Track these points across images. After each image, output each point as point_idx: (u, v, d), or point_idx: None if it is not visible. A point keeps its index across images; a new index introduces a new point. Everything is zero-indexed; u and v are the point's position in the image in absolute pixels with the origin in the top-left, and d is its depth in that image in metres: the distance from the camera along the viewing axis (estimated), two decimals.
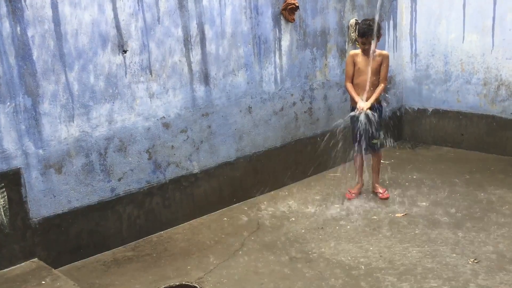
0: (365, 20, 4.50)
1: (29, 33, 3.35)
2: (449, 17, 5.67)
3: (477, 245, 3.68)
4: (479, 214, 4.18)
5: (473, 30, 5.52)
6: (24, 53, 3.35)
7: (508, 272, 3.30)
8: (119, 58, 3.77)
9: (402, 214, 4.26)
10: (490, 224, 3.98)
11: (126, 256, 3.83)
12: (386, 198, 4.61)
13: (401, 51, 6.12)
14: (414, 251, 3.65)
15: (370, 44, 4.29)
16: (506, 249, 3.59)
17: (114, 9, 3.67)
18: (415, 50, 6.02)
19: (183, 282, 3.12)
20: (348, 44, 5.41)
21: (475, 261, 3.46)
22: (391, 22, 5.93)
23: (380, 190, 4.70)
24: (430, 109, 6.08)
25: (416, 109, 6.19)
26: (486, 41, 5.44)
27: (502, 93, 5.46)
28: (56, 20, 3.44)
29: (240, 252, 3.80)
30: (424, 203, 4.46)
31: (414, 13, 5.93)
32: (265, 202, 4.71)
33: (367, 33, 4.28)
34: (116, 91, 3.80)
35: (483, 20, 5.42)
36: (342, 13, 5.29)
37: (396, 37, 6.04)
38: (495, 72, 5.46)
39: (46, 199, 3.57)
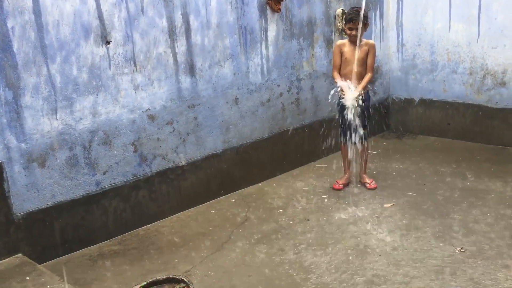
0: (353, 7, 4.48)
1: (9, 24, 3.26)
2: (435, 7, 5.66)
3: (464, 234, 3.70)
4: (466, 203, 4.20)
5: (459, 20, 5.52)
6: (4, 44, 3.26)
7: (495, 260, 3.32)
8: (102, 50, 3.70)
9: (390, 205, 4.27)
10: (477, 213, 4.00)
11: (113, 250, 3.79)
12: (374, 188, 4.62)
13: (387, 41, 6.11)
14: (402, 241, 3.65)
15: (357, 30, 4.27)
16: (493, 237, 3.61)
17: None
18: (402, 40, 6.02)
19: (170, 276, 3.09)
20: (335, 34, 5.39)
21: (462, 249, 3.48)
22: (378, 12, 5.91)
23: (368, 180, 4.70)
24: (417, 99, 6.09)
25: (403, 99, 6.20)
26: (472, 30, 5.45)
27: (488, 82, 5.48)
28: (37, 10, 3.36)
29: (228, 245, 3.78)
30: (412, 193, 4.47)
31: (400, 2, 5.92)
32: (253, 194, 4.69)
33: (354, 18, 4.26)
34: (100, 83, 3.74)
35: (469, 9, 5.42)
36: (328, 2, 5.25)
37: (383, 27, 6.02)
38: (481, 62, 5.48)
39: (29, 193, 3.51)
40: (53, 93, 3.51)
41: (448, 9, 5.57)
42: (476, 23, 5.40)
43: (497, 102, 5.47)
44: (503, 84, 5.38)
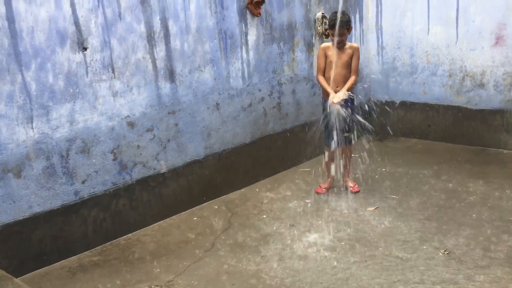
0: (335, 12, 4.47)
1: None
2: (414, 9, 5.70)
3: (448, 236, 3.70)
4: (448, 204, 4.22)
5: (438, 22, 5.57)
6: None
7: (478, 262, 3.33)
8: (79, 56, 3.62)
9: (374, 208, 4.26)
10: (459, 215, 4.02)
11: (93, 261, 3.70)
12: (357, 192, 4.61)
13: (367, 44, 6.13)
14: (386, 245, 3.64)
15: (340, 35, 4.27)
16: (476, 239, 3.63)
17: (72, 4, 3.52)
18: (382, 43, 6.05)
19: (152, 286, 3.03)
20: (315, 37, 5.38)
21: (446, 252, 3.48)
22: (357, 15, 5.93)
23: (351, 184, 4.69)
24: (398, 102, 6.13)
25: (384, 101, 6.23)
26: (451, 32, 5.49)
27: (467, 84, 5.54)
28: (10, 17, 3.26)
29: (211, 253, 3.72)
30: (394, 196, 4.47)
31: (379, 6, 5.94)
32: (236, 200, 4.64)
33: (336, 24, 4.25)
34: (77, 90, 3.65)
35: (447, 12, 5.47)
36: (308, 6, 5.25)
37: (363, 30, 6.04)
38: (460, 64, 5.53)
39: (5, 205, 3.40)
40: (28, 101, 3.42)
41: (426, 11, 5.61)
42: (454, 26, 5.45)
43: (476, 104, 5.52)
44: (482, 85, 5.43)
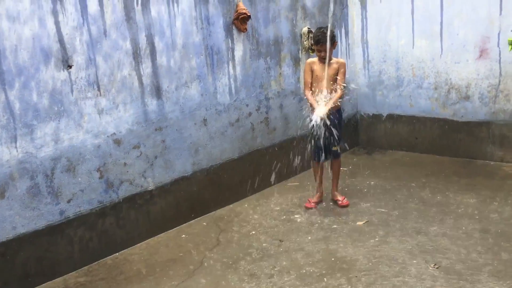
0: (319, 28, 4.49)
1: None
2: (399, 23, 5.76)
3: (437, 249, 3.69)
4: (437, 218, 4.22)
5: (422, 36, 5.63)
6: None
7: (468, 276, 3.32)
8: (63, 74, 3.58)
9: (363, 222, 4.25)
10: (448, 228, 4.02)
11: (79, 282, 3.63)
12: (346, 206, 4.60)
13: (354, 58, 6.17)
14: (376, 259, 3.62)
15: (325, 51, 4.29)
16: (465, 252, 3.62)
17: (57, 22, 3.49)
18: (368, 56, 6.09)
19: None
20: (301, 52, 5.40)
21: (435, 266, 3.47)
22: (343, 29, 5.98)
23: (340, 198, 4.68)
24: (385, 115, 6.16)
25: (371, 114, 6.26)
26: (435, 46, 5.55)
27: (452, 96, 5.59)
28: None
29: (200, 271, 3.66)
30: (383, 209, 4.47)
31: (364, 20, 6.00)
32: (224, 216, 4.60)
33: (321, 40, 4.28)
34: (62, 108, 3.61)
35: (431, 26, 5.53)
36: (294, 21, 5.27)
37: (349, 44, 6.09)
38: (445, 76, 5.58)
39: None
40: (12, 121, 3.36)
41: (411, 25, 5.67)
42: (438, 39, 5.51)
43: (462, 116, 5.57)
44: (467, 98, 5.48)
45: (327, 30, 4.29)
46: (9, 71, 3.31)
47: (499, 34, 5.11)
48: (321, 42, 4.29)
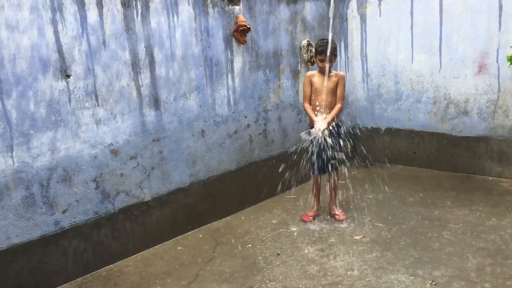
0: (322, 39, 4.50)
1: None
2: (398, 38, 5.78)
3: (435, 266, 3.66)
4: (435, 233, 4.19)
5: (421, 50, 5.64)
6: None
7: None
8: (61, 84, 3.57)
9: (360, 237, 4.22)
10: (445, 244, 3.99)
11: None
12: (343, 219, 4.57)
13: (353, 71, 6.18)
14: (373, 275, 3.59)
15: (328, 61, 4.30)
16: (462, 268, 3.59)
17: (56, 32, 3.48)
18: (367, 70, 6.10)
19: None
20: (300, 65, 5.41)
21: (433, 283, 3.43)
22: (342, 43, 5.99)
23: (337, 212, 4.65)
24: (383, 128, 6.15)
25: (370, 128, 6.25)
26: (434, 60, 5.56)
27: (451, 111, 5.58)
28: None
29: (195, 284, 3.62)
30: (381, 224, 4.44)
31: (364, 34, 6.01)
32: (221, 229, 4.56)
33: (325, 50, 4.28)
34: (59, 118, 3.59)
35: (430, 41, 5.55)
36: (294, 34, 5.29)
37: (348, 57, 6.10)
38: (443, 91, 5.59)
39: None
40: (8, 130, 3.34)
41: (410, 40, 5.69)
42: (437, 54, 5.53)
43: (460, 131, 5.56)
44: (465, 113, 5.48)
45: (330, 41, 4.30)
46: (6, 80, 3.30)
47: (498, 49, 5.12)
48: (324, 52, 4.29)
